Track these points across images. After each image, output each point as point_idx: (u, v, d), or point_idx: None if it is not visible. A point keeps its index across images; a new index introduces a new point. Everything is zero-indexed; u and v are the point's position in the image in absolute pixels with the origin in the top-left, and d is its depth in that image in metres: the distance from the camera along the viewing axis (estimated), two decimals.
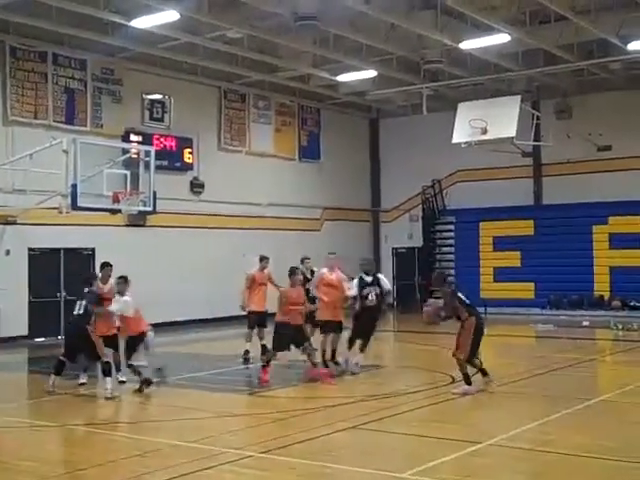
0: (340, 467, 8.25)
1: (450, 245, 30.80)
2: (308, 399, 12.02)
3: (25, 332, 20.76)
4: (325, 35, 22.38)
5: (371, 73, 25.60)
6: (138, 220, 22.78)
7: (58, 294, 21.38)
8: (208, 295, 24.23)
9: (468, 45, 22.12)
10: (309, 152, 30.14)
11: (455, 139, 23.38)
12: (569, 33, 21.98)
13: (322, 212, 30.30)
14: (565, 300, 26.50)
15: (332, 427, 9.77)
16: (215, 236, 25.47)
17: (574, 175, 28.08)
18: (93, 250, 22.23)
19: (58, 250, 21.64)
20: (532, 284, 27.50)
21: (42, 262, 21.31)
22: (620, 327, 21.74)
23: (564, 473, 7.99)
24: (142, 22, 19.63)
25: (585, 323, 23.42)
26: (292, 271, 13.69)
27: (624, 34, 21.63)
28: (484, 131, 22.84)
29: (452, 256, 30.43)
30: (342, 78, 25.97)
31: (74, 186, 16.62)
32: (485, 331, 12.18)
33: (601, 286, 26.71)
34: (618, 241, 26.76)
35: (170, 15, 19.11)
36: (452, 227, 30.87)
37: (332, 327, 14.19)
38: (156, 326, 22.75)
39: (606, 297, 26.34)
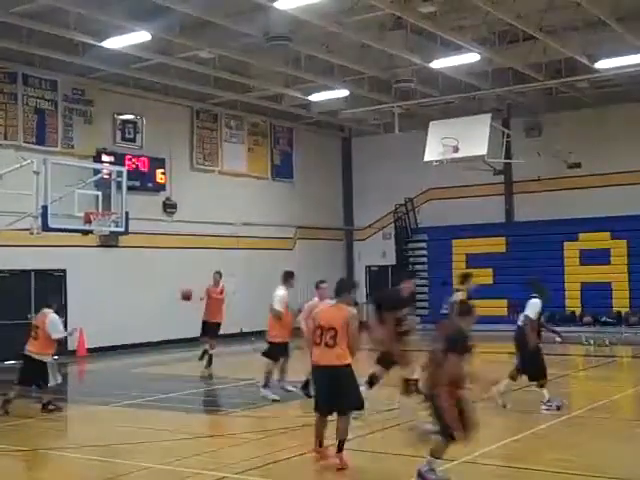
0: None
1: (423, 263, 30.92)
2: (283, 418, 11.97)
3: None
4: (297, 55, 22.51)
5: (343, 92, 25.74)
6: (110, 241, 22.64)
7: (29, 316, 21.14)
8: (182, 315, 24.08)
9: (438, 64, 22.32)
10: (282, 171, 30.18)
11: (427, 157, 23.50)
12: (538, 52, 22.25)
13: (295, 231, 30.30)
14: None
15: (308, 446, 9.73)
16: (189, 256, 25.37)
17: (545, 192, 28.38)
18: (64, 271, 22.09)
19: (28, 272, 21.47)
20: (504, 301, 27.62)
21: (12, 284, 21.12)
22: (592, 343, 21.92)
23: None
24: (113, 43, 19.61)
25: (557, 339, 23.49)
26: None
27: (591, 53, 21.96)
28: (455, 149, 22.97)
29: (425, 274, 30.55)
30: (314, 98, 26.08)
31: (45, 207, 16.47)
32: None
33: (572, 302, 26.94)
34: (588, 257, 27.02)
35: (141, 36, 19.11)
36: (425, 245, 31.02)
37: None
38: (130, 347, 22.81)
39: (578, 313, 26.56)
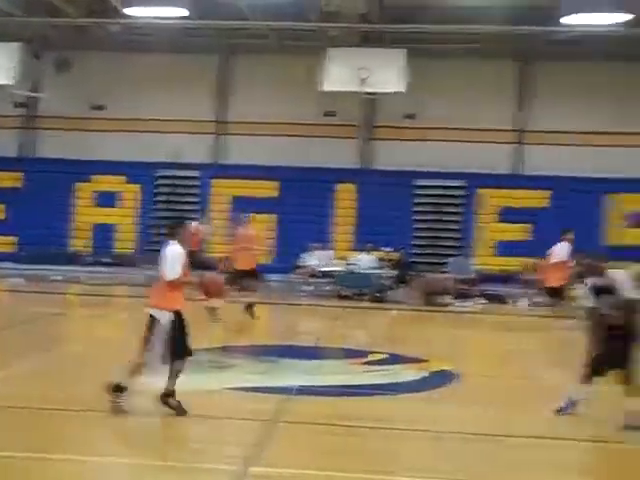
0: None
1: None
2: None
3: None
4: None
5: None
6: None
7: None
8: None
9: None
10: None
11: None
12: None
13: None
14: (42, 254, 25.98)
15: None
16: None
17: (69, 131, 28.02)
18: None
19: None
20: (16, 238, 27.04)
21: None
22: (91, 283, 22.78)
23: None
24: None
25: (58, 277, 23.78)
26: None
27: None
28: None
29: None
30: None
31: None
32: None
33: (80, 242, 27.24)
34: (101, 199, 27.47)
35: None
36: None
37: None
38: None
39: (85, 253, 26.86)
